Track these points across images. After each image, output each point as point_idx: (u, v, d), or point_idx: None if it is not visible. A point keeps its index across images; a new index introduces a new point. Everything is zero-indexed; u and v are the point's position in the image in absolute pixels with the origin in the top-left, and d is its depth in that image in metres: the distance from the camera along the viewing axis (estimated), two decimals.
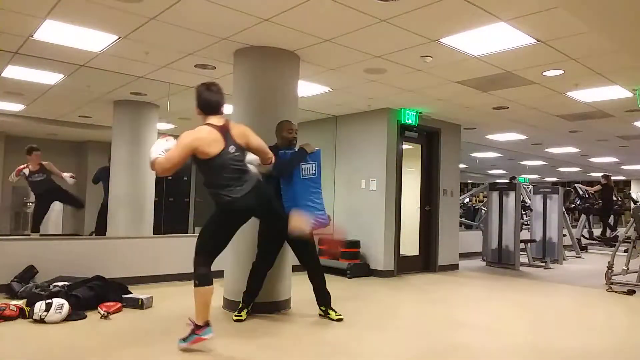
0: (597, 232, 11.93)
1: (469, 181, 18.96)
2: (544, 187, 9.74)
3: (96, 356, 3.12)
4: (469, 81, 5.50)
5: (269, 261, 4.23)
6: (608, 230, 11.58)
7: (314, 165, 4.10)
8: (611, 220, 11.98)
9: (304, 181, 4.08)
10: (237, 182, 3.26)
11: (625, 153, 11.38)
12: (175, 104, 6.79)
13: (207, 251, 3.29)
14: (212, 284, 3.22)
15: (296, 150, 4.15)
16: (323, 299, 4.30)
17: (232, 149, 3.21)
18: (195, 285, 3.18)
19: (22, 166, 6.52)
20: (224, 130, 3.21)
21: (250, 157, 3.56)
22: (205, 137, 3.14)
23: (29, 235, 6.81)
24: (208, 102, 3.22)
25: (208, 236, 3.38)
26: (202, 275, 3.18)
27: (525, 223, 9.68)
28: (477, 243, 9.44)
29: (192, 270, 3.27)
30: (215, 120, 3.23)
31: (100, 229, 7.10)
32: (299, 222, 3.53)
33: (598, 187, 11.40)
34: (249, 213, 3.48)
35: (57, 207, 8.99)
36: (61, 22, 4.01)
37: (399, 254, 7.09)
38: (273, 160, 3.63)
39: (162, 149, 3.12)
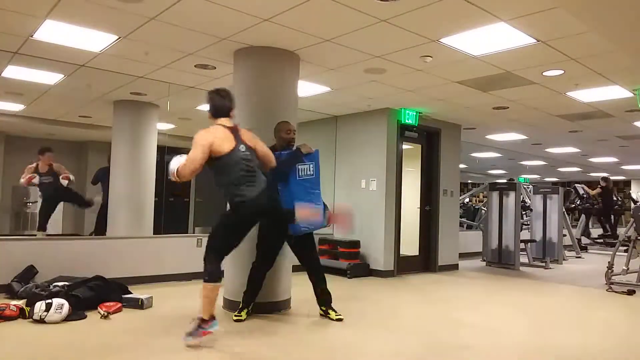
0: (596, 232, 11.93)
1: (469, 181, 18.96)
2: (544, 187, 9.74)
3: (96, 356, 3.11)
4: (469, 81, 5.50)
5: (269, 261, 4.22)
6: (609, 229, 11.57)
7: (311, 166, 4.10)
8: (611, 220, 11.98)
9: (301, 182, 4.08)
10: (249, 181, 3.42)
11: (625, 153, 11.37)
12: (175, 104, 6.80)
13: (217, 249, 3.42)
14: (219, 281, 3.36)
15: (292, 151, 4.14)
16: (323, 299, 4.30)
17: (242, 147, 3.41)
18: (204, 281, 3.31)
19: (31, 166, 6.45)
20: (234, 131, 3.42)
21: None
22: (219, 135, 3.33)
23: (34, 234, 6.85)
24: (218, 106, 3.47)
25: (219, 235, 3.49)
26: (211, 272, 3.32)
27: (526, 223, 9.67)
28: (477, 243, 9.43)
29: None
30: (225, 121, 3.45)
31: (100, 229, 7.10)
32: (305, 213, 3.77)
33: (598, 189, 11.38)
34: (259, 214, 3.60)
35: (57, 207, 9.01)
36: (61, 22, 4.01)
37: (399, 254, 7.09)
38: (274, 166, 3.76)
39: (180, 160, 3.28)
